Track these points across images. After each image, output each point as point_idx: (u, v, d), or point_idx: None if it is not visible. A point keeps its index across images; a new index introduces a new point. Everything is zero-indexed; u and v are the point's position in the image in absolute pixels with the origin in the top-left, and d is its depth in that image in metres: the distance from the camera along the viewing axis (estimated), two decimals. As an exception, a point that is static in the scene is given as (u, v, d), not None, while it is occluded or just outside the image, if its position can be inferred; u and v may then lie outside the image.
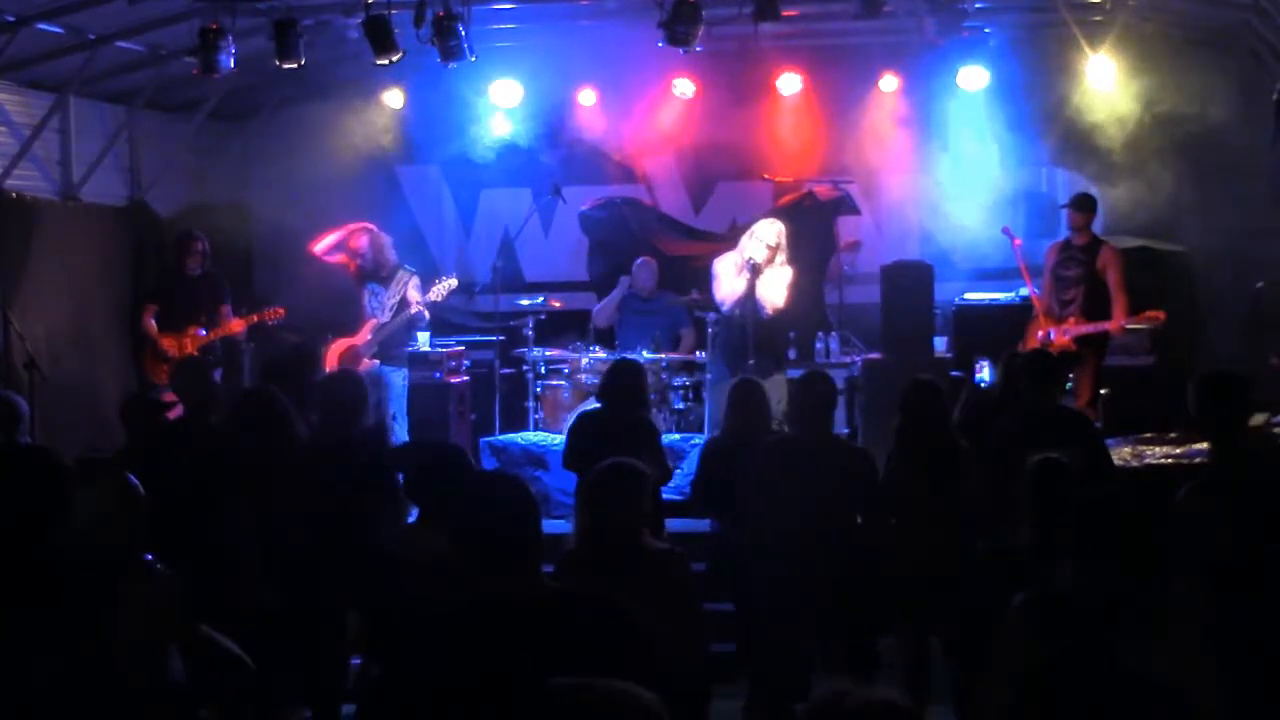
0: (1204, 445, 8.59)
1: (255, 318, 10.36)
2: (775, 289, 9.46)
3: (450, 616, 3.47)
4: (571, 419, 7.97)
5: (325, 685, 6.30)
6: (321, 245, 10.39)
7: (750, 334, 9.40)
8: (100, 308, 10.60)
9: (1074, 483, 4.87)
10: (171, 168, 12.24)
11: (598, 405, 7.58)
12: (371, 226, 10.39)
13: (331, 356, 9.96)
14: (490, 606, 3.42)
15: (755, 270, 9.40)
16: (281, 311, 10.41)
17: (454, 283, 10.52)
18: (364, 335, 10.21)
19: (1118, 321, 9.62)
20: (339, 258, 10.40)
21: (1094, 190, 12.07)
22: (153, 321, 10.36)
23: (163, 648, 3.99)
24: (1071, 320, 9.70)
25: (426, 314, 10.36)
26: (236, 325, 10.34)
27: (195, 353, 10.16)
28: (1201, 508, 4.34)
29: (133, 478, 4.16)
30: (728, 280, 9.56)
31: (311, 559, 6.10)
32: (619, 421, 7.10)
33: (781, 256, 9.51)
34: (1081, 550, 4.11)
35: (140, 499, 4.13)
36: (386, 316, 10.24)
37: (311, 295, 10.76)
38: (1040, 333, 9.76)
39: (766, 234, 9.52)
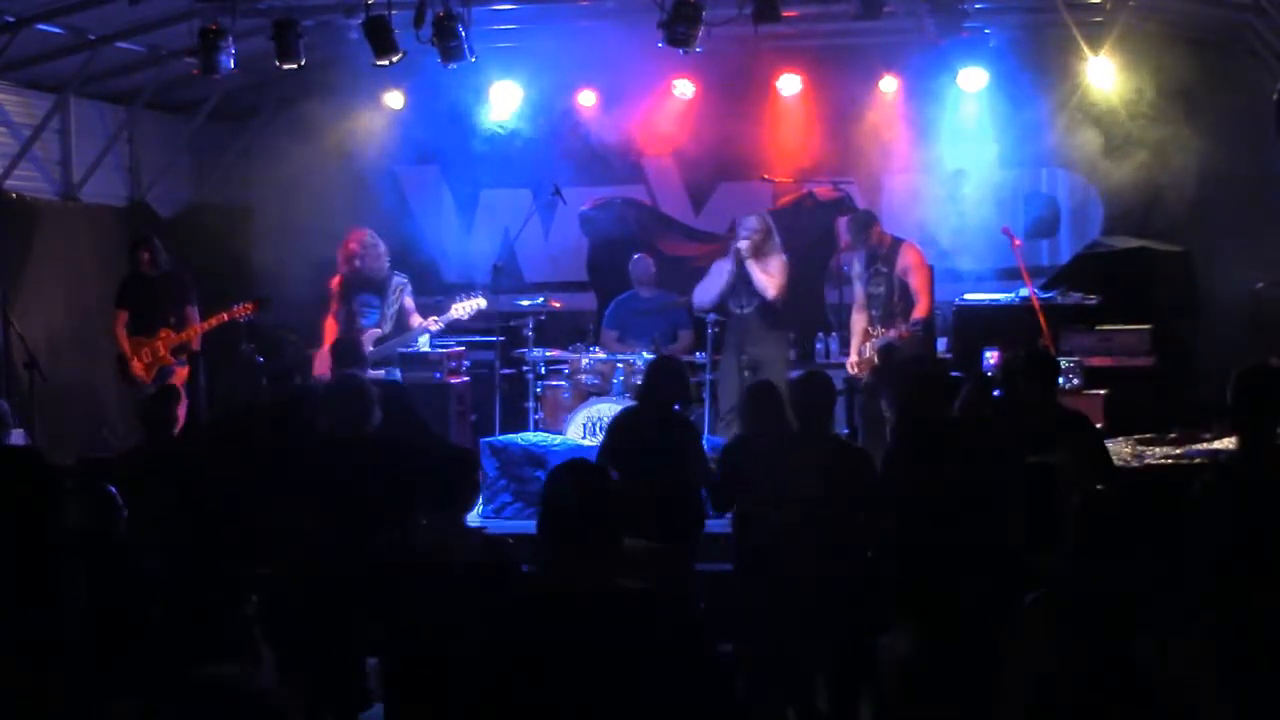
0: (1204, 445, 8.64)
1: (225, 316, 10.03)
2: (770, 272, 9.68)
3: (512, 610, 3.47)
4: (610, 417, 7.86)
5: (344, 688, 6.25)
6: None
7: (754, 318, 9.72)
8: (100, 308, 10.60)
9: (1067, 485, 4.88)
10: (171, 168, 12.26)
11: (637, 403, 7.44)
12: (365, 232, 9.99)
13: (320, 364, 9.65)
14: (557, 599, 3.42)
15: (742, 255, 9.65)
16: (250, 307, 10.05)
17: (482, 303, 9.95)
18: (364, 346, 9.70)
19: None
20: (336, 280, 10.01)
21: (1093, 191, 12.11)
22: (123, 330, 10.11)
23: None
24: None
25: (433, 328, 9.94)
26: (202, 326, 10.02)
27: (169, 357, 10.03)
28: (1216, 500, 4.33)
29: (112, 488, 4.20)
30: (710, 277, 9.98)
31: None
32: (659, 422, 7.03)
33: (771, 242, 9.75)
34: (1085, 550, 4.10)
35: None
36: (388, 327, 9.89)
37: (311, 302, 10.53)
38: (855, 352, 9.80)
39: (749, 222, 9.82)
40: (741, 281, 9.77)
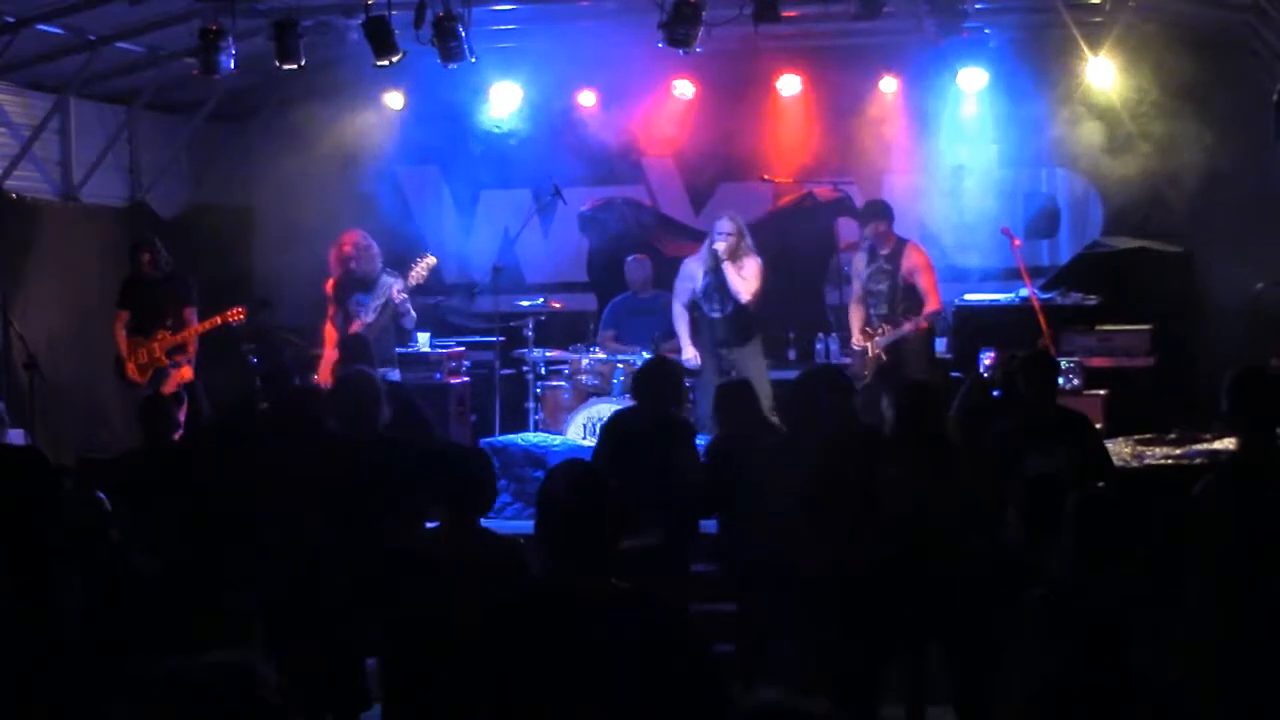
0: (1204, 445, 8.64)
1: (219, 319, 10.04)
2: (745, 275, 9.67)
3: (509, 610, 3.46)
4: (607, 417, 7.84)
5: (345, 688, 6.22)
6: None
7: (729, 323, 9.73)
8: (100, 308, 10.60)
9: (1068, 490, 4.87)
10: (171, 168, 12.26)
11: (633, 404, 7.44)
12: (358, 233, 9.94)
13: (325, 367, 9.62)
14: (554, 599, 3.42)
15: (720, 258, 9.64)
16: (242, 312, 10.08)
17: (432, 260, 10.06)
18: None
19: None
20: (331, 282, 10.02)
21: (1093, 191, 12.11)
22: (123, 330, 10.11)
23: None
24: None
25: (410, 307, 9.88)
26: (198, 328, 10.04)
27: (164, 359, 10.02)
28: (1216, 500, 4.33)
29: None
30: (682, 277, 10.00)
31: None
32: (655, 422, 6.99)
33: (745, 244, 9.74)
34: (1084, 549, 4.10)
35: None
36: (371, 317, 9.77)
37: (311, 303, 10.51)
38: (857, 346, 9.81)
39: (722, 225, 9.78)
40: (716, 284, 9.75)
